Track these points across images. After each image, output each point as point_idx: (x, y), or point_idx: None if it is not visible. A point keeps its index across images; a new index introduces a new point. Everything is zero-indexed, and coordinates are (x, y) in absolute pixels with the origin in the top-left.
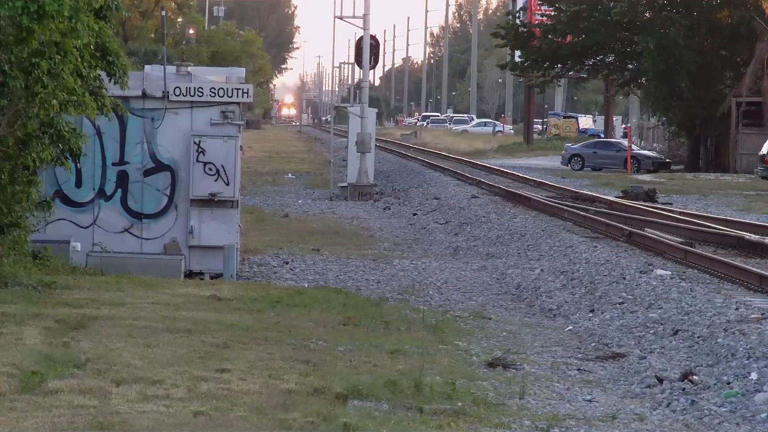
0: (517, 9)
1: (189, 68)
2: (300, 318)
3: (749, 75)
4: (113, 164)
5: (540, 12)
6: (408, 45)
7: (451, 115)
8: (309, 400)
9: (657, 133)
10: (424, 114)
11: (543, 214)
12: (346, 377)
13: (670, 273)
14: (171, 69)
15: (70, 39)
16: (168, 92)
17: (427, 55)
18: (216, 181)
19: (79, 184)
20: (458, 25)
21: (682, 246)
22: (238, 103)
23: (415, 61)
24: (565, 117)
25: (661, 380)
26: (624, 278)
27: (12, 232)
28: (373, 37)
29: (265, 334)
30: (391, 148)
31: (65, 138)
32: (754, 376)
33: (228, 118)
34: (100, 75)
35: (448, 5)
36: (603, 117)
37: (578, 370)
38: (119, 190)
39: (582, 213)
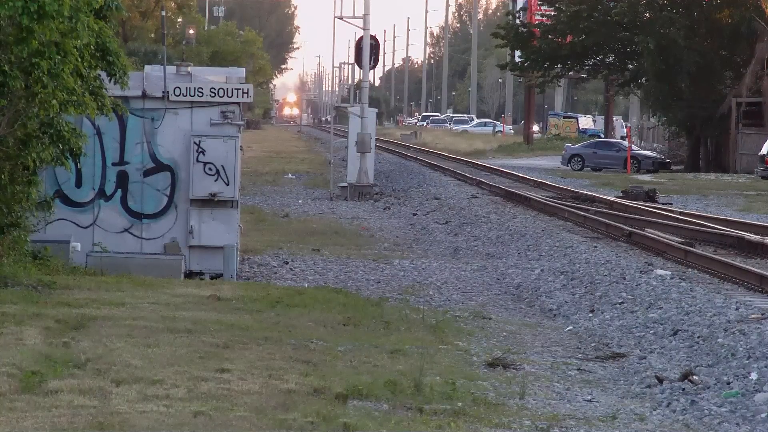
0: (517, 9)
1: (189, 68)
2: (300, 318)
3: (749, 75)
4: (113, 164)
5: (540, 12)
6: (408, 45)
7: (451, 115)
8: (309, 400)
9: (657, 133)
10: (424, 114)
11: (543, 214)
12: (346, 377)
13: (670, 273)
14: (171, 69)
15: (70, 39)
16: (168, 92)
17: (427, 55)
18: (216, 181)
19: (79, 184)
20: (458, 25)
21: (682, 246)
22: (238, 103)
23: (415, 61)
24: (565, 117)
25: (661, 380)
26: (624, 278)
27: (12, 232)
28: (373, 37)
29: (265, 334)
30: (391, 148)
31: (65, 138)
32: (754, 376)
33: (228, 118)
34: (100, 75)
35: (448, 5)
36: (603, 117)
37: (578, 370)
38: (119, 190)
39: (582, 213)
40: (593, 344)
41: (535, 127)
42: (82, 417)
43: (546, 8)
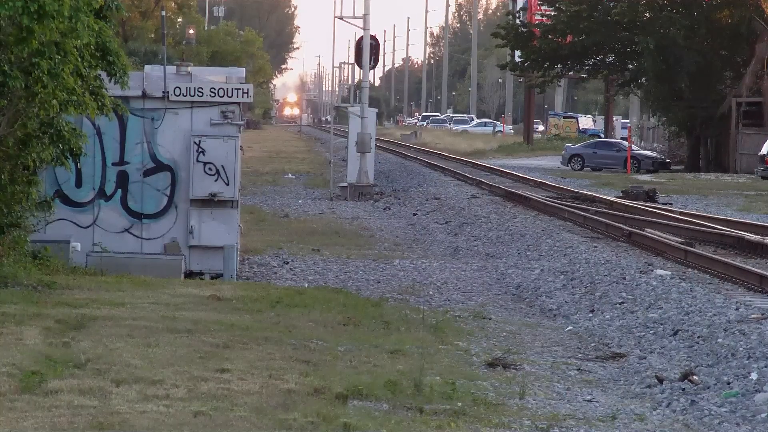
0: (517, 9)
1: (189, 68)
2: (300, 318)
3: (749, 75)
4: (113, 164)
5: (540, 12)
6: (408, 45)
7: (451, 115)
8: (309, 400)
9: (657, 133)
10: (424, 114)
11: (543, 214)
12: (346, 377)
13: (670, 273)
14: (171, 69)
15: (70, 39)
16: (168, 92)
17: (427, 55)
18: (216, 181)
19: (79, 184)
20: (458, 25)
21: (682, 246)
22: (238, 103)
23: (415, 61)
24: (565, 117)
25: (661, 380)
26: (624, 278)
27: (12, 232)
28: (373, 37)
29: (265, 334)
30: (391, 148)
31: (65, 138)
32: (754, 376)
33: (228, 118)
34: (100, 75)
35: (448, 5)
36: (603, 117)
37: (578, 370)
38: (119, 190)
39: (582, 213)
40: (593, 344)
41: (540, 127)
42: (82, 417)
43: (546, 8)
